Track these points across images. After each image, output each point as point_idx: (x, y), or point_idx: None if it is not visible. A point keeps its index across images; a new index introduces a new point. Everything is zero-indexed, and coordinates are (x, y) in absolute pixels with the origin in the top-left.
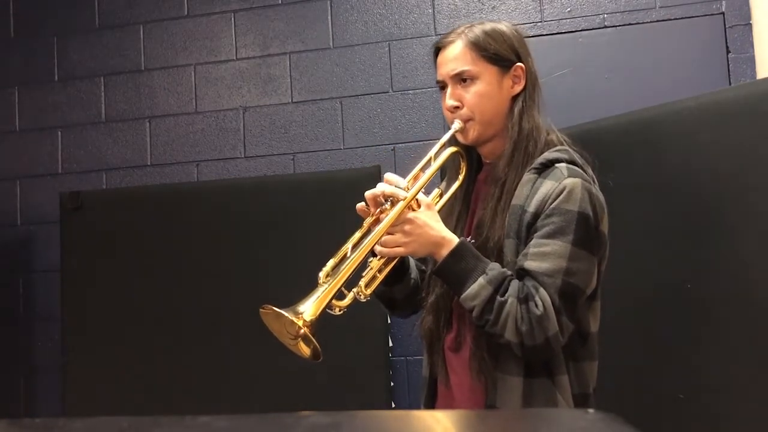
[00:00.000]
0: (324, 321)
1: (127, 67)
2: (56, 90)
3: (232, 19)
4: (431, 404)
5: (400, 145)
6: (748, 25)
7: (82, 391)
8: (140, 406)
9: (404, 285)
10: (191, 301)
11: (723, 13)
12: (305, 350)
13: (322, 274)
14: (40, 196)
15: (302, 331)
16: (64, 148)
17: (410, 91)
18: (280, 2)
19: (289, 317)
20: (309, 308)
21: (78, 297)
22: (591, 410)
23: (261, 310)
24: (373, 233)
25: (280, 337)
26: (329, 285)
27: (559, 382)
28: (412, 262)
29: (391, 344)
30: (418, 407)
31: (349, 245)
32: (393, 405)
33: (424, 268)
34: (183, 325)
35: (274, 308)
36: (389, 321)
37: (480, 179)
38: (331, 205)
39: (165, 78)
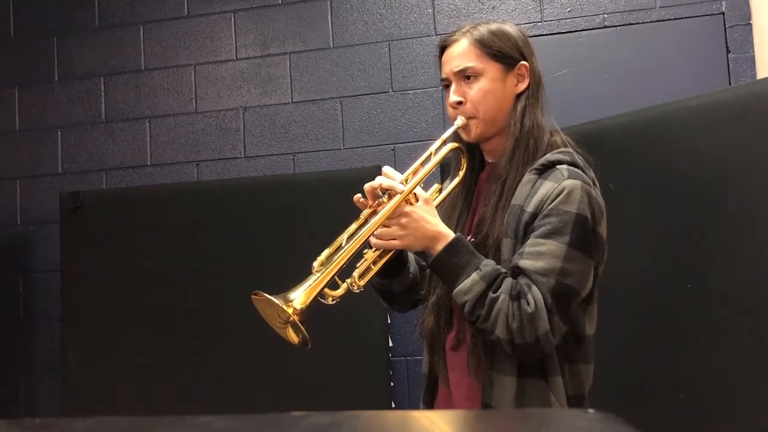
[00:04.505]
0: (324, 321)
1: (127, 67)
2: (56, 90)
3: (232, 19)
4: (430, 402)
5: (400, 145)
6: (748, 25)
7: (82, 391)
8: (140, 406)
9: (403, 278)
10: (191, 301)
11: (723, 13)
12: (294, 336)
13: (316, 264)
14: (40, 196)
15: (292, 318)
16: (64, 148)
17: (410, 91)
18: (280, 2)
19: (280, 304)
20: (300, 296)
21: (78, 297)
22: (591, 410)
23: (252, 296)
24: (368, 225)
25: (270, 322)
26: (321, 274)
27: (552, 383)
28: (411, 256)
29: (391, 344)
30: (418, 407)
31: (344, 236)
32: (393, 405)
33: (424, 263)
34: (183, 325)
35: (266, 295)
36: (389, 321)
37: (482, 179)
38: (331, 205)
39: (165, 78)
